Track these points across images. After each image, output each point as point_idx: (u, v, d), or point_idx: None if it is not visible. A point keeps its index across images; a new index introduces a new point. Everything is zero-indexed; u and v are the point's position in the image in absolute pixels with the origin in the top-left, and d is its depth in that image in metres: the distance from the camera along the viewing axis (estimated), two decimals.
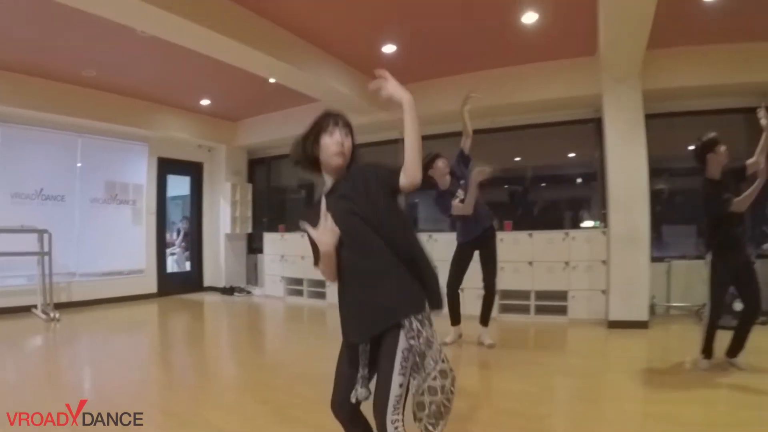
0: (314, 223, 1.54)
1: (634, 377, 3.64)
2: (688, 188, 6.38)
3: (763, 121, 3.33)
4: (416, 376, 1.45)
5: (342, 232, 1.52)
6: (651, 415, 2.89)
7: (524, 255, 5.68)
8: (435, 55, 5.51)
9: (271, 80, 5.70)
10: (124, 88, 6.37)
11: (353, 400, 1.56)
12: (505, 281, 5.38)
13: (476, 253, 4.34)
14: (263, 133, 7.89)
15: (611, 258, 5.28)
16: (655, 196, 5.26)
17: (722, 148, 3.42)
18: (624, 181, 5.19)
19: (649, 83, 5.19)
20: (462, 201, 4.09)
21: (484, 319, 4.35)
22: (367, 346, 1.57)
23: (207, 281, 8.42)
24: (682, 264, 5.71)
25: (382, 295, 1.51)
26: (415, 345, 1.45)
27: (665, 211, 6.09)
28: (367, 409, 1.59)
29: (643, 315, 5.09)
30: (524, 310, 5.68)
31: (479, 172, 4.02)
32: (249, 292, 7.89)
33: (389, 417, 1.43)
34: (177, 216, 9.26)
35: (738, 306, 3.83)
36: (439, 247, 5.26)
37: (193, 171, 8.43)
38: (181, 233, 9.00)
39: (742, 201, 3.30)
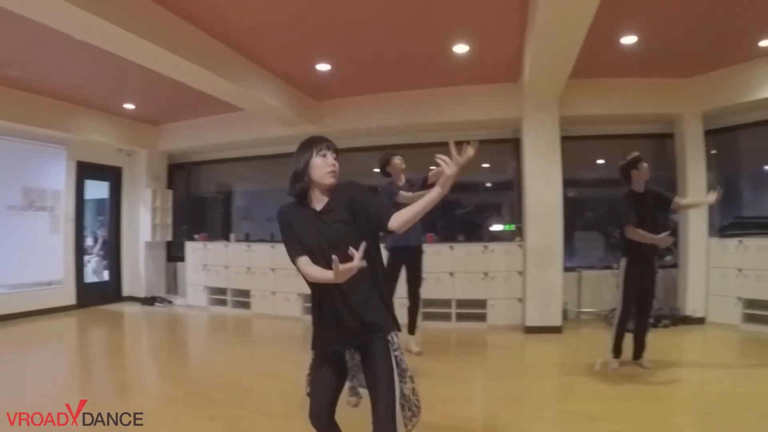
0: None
1: (551, 378, 3.94)
2: (595, 198, 7.01)
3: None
4: (403, 380, 1.71)
5: (330, 243, 1.70)
6: (570, 413, 3.14)
7: (446, 266, 5.89)
8: (368, 76, 5.62)
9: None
10: (46, 89, 5.94)
11: (351, 406, 1.84)
12: (427, 291, 5.52)
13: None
14: (185, 138, 7.63)
15: (527, 269, 5.60)
16: (567, 205, 5.64)
17: (644, 165, 3.79)
18: (540, 199, 5.52)
19: (566, 110, 5.56)
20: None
21: (411, 327, 4.53)
22: (357, 358, 1.80)
23: (126, 291, 7.97)
24: (591, 273, 6.19)
25: (371, 308, 1.74)
26: (398, 356, 1.72)
27: (576, 220, 6.61)
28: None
29: (557, 321, 5.45)
30: (446, 317, 5.89)
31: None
32: (170, 302, 7.57)
33: (398, 413, 1.67)
34: (95, 222, 8.74)
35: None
36: None
37: (112, 176, 8.00)
38: (99, 240, 8.50)
39: (635, 233, 3.66)
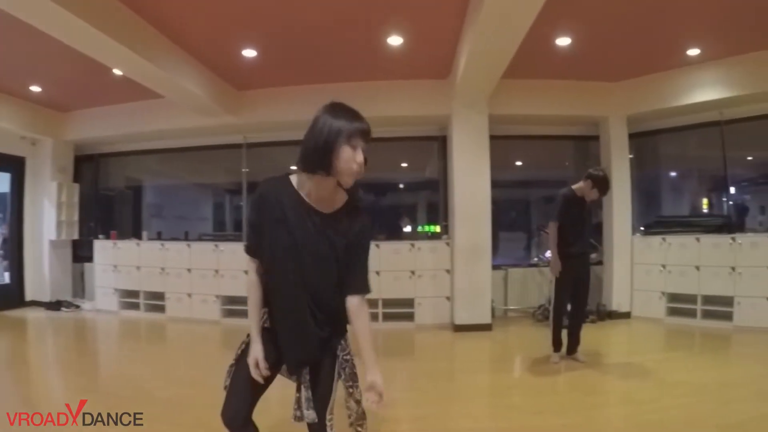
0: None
1: (487, 375, 3.97)
2: (513, 199, 7.12)
3: None
4: (353, 385, 1.58)
5: (314, 259, 1.49)
6: (512, 407, 3.14)
7: (371, 264, 5.66)
8: (295, 64, 5.38)
9: (117, 72, 5.06)
10: None
11: (307, 421, 1.54)
12: None
13: None
14: (96, 127, 6.98)
15: (455, 267, 5.57)
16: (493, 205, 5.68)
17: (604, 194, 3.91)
18: (468, 197, 5.50)
19: (495, 109, 5.57)
20: None
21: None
22: (307, 369, 1.57)
23: (29, 295, 7.24)
24: (517, 271, 6.28)
25: (323, 319, 1.55)
26: (349, 359, 1.59)
27: (500, 219, 6.70)
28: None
29: (486, 318, 5.47)
30: (372, 317, 5.66)
31: None
32: (78, 307, 6.95)
33: (327, 416, 1.54)
34: None
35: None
36: None
37: (14, 166, 7.27)
38: (0, 239, 7.73)
39: (552, 231, 3.91)
